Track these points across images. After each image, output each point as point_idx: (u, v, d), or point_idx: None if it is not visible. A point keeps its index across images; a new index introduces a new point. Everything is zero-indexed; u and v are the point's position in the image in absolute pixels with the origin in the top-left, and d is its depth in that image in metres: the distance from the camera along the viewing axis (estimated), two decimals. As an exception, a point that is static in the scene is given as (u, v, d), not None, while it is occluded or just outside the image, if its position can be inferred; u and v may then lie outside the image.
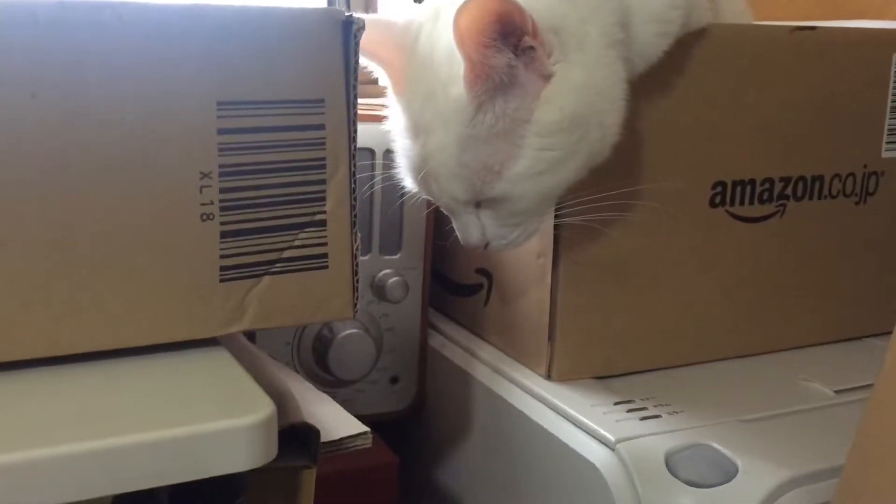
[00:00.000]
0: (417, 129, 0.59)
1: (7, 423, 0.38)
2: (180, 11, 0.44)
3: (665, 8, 0.64)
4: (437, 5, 0.60)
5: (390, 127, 0.65)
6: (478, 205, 0.61)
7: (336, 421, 0.59)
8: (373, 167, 0.81)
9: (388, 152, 0.77)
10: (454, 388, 0.84)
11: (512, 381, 0.77)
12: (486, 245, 0.63)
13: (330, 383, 0.84)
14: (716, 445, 0.63)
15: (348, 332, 0.81)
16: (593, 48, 0.58)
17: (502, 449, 0.77)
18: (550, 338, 0.73)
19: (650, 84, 0.67)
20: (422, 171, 0.59)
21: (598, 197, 0.63)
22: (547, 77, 0.56)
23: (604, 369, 0.74)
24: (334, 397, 0.85)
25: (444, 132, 0.57)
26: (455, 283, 0.88)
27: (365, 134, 0.79)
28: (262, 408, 0.40)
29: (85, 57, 0.42)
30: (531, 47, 0.54)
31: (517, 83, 0.55)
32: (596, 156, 0.59)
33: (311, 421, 0.58)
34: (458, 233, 0.64)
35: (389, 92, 0.64)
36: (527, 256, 0.75)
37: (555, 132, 0.56)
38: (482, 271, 0.83)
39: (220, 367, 0.45)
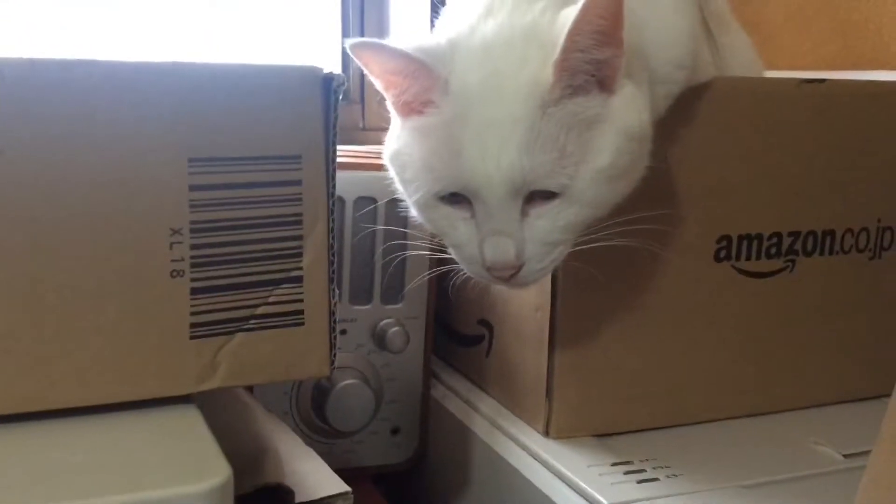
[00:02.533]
0: (472, 115, 0.56)
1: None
2: (152, 69, 0.44)
3: (673, 69, 0.64)
4: (487, 3, 0.59)
5: (395, 147, 0.61)
6: (524, 213, 0.57)
7: (318, 479, 0.58)
8: (376, 214, 0.80)
9: (393, 201, 0.77)
10: (454, 442, 0.82)
11: (510, 437, 0.75)
12: (513, 274, 0.57)
13: (329, 434, 0.83)
14: (713, 513, 0.61)
15: (347, 382, 0.80)
16: (642, 82, 0.60)
17: (500, 507, 0.75)
18: (548, 395, 0.71)
19: (655, 134, 0.66)
20: (472, 148, 0.55)
21: (605, 225, 0.60)
22: (612, 88, 0.56)
23: (603, 427, 0.72)
24: (334, 449, 0.85)
25: (520, 106, 0.55)
26: (458, 332, 0.87)
27: (368, 183, 0.80)
28: (218, 473, 0.39)
29: (54, 114, 0.42)
30: (616, 56, 0.55)
31: (592, 82, 0.56)
32: (637, 181, 0.59)
33: (291, 479, 0.57)
34: (482, 254, 0.57)
35: (398, 115, 0.61)
36: (525, 309, 0.74)
37: (630, 139, 0.57)
38: (483, 322, 0.82)
39: (184, 428, 0.44)
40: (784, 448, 0.71)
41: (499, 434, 0.76)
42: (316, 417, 0.82)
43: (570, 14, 0.54)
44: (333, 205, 0.50)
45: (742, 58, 0.78)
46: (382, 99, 0.62)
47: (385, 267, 0.82)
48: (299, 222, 0.49)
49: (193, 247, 0.46)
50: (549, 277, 0.68)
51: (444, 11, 0.66)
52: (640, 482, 0.64)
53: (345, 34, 1.11)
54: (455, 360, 0.88)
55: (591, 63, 0.55)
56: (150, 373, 0.46)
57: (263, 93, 0.47)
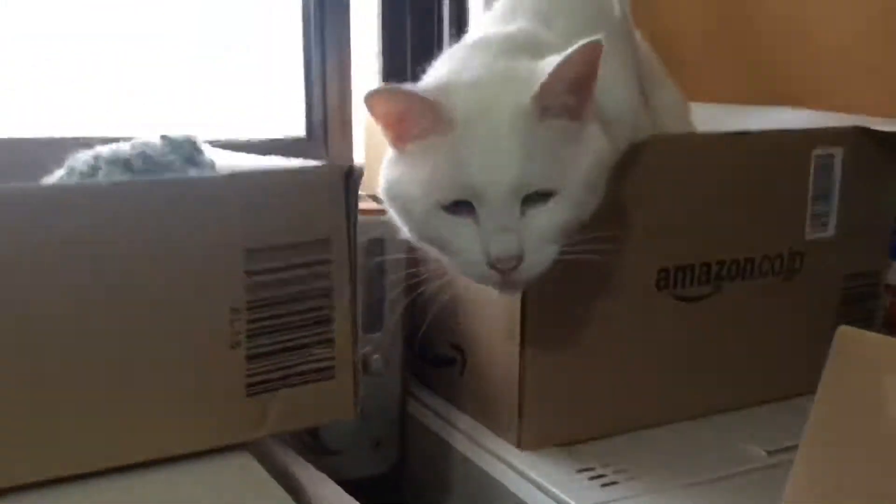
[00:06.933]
0: (475, 133, 0.65)
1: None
2: (220, 182, 0.53)
3: (620, 113, 0.75)
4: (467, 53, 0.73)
5: (395, 174, 0.68)
6: (523, 213, 0.66)
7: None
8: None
9: (372, 242, 0.87)
10: (432, 453, 0.92)
11: (487, 450, 0.85)
12: (514, 267, 0.65)
13: (317, 451, 0.92)
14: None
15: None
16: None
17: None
18: (520, 412, 0.82)
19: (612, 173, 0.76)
20: (479, 158, 0.65)
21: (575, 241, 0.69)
22: (582, 121, 0.68)
23: (567, 438, 0.84)
24: (320, 463, 0.93)
25: (515, 122, 0.65)
26: (432, 354, 0.97)
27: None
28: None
29: (149, 230, 0.51)
30: (584, 100, 0.67)
31: (565, 115, 0.67)
32: (602, 199, 0.70)
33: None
34: (487, 251, 0.65)
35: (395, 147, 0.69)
36: (496, 336, 0.84)
37: (600, 160, 0.69)
38: (455, 346, 0.92)
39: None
40: (716, 449, 0.84)
41: (476, 447, 0.86)
42: (307, 435, 0.91)
43: (552, 61, 0.65)
44: (355, 277, 0.60)
45: (674, 113, 0.91)
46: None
47: (366, 298, 0.92)
48: (329, 294, 0.59)
49: (249, 321, 0.55)
50: (518, 310, 0.79)
51: (435, 64, 0.77)
52: (603, 486, 0.76)
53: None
54: (429, 379, 0.99)
55: (563, 105, 0.67)
56: (215, 426, 0.55)
57: (300, 188, 0.57)
